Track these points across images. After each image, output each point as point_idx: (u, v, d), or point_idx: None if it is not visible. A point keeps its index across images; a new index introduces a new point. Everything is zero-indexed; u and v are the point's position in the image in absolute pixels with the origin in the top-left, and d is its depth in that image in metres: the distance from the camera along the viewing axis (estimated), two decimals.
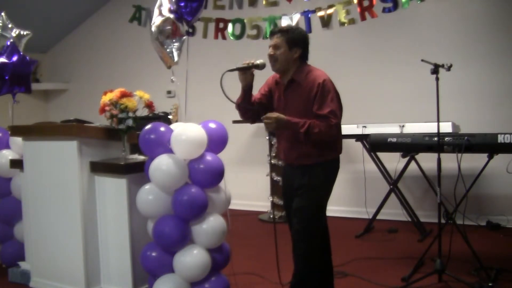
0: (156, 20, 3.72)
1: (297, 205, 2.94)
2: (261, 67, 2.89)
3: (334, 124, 2.80)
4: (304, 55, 2.94)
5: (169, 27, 3.66)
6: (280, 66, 2.89)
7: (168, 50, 3.74)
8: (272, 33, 2.94)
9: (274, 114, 2.82)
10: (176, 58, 3.79)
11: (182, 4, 3.83)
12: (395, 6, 5.36)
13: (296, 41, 2.88)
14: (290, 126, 2.81)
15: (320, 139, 2.82)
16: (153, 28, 3.77)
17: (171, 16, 3.68)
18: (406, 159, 4.64)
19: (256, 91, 3.08)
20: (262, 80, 3.13)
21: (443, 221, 3.76)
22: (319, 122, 2.77)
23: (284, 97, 2.94)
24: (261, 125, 6.07)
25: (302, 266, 2.92)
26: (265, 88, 3.08)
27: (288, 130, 2.85)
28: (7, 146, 4.03)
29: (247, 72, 2.90)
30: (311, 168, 2.91)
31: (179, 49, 3.79)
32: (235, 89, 2.99)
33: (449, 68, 3.44)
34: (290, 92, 2.92)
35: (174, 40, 3.78)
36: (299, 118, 2.82)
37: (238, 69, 2.89)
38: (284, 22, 5.84)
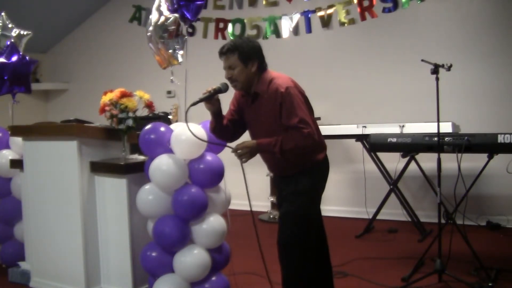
0: (160, 19, 3.71)
1: (282, 211, 2.86)
2: (223, 90, 2.77)
3: (307, 133, 2.63)
4: (262, 64, 2.78)
5: (173, 27, 3.65)
6: (242, 85, 2.77)
7: (170, 50, 3.74)
8: (222, 54, 2.77)
9: (244, 144, 2.72)
10: (180, 59, 3.78)
11: (182, 3, 3.83)
12: (395, 6, 5.36)
13: (249, 55, 2.72)
14: (262, 148, 2.69)
15: (296, 153, 2.68)
16: (152, 28, 3.76)
17: (176, 15, 3.67)
18: (406, 159, 4.64)
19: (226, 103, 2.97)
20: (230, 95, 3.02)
21: (443, 221, 3.76)
22: (291, 135, 2.64)
23: (253, 111, 2.83)
24: None
25: (293, 273, 2.82)
26: (234, 103, 2.95)
27: (262, 152, 2.74)
28: (7, 146, 4.03)
29: (211, 100, 2.77)
30: (297, 176, 2.81)
31: (182, 49, 3.78)
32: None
33: (449, 68, 3.44)
34: (257, 106, 2.79)
35: (177, 41, 3.77)
36: (271, 132, 2.70)
37: (201, 100, 2.74)
38: (284, 22, 5.85)
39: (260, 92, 2.75)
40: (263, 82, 2.75)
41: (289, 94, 2.66)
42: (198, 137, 2.79)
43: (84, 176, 3.26)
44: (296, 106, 2.65)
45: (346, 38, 5.71)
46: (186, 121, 2.70)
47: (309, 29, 5.74)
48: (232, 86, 2.80)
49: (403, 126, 4.69)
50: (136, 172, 3.16)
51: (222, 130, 2.89)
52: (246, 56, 2.71)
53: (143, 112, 3.33)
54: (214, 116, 2.85)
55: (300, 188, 2.80)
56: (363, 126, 4.84)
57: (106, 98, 3.22)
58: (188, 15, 3.82)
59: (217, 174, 2.98)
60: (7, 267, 3.90)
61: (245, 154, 2.68)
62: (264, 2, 6.02)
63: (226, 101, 2.97)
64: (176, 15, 3.66)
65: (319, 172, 2.88)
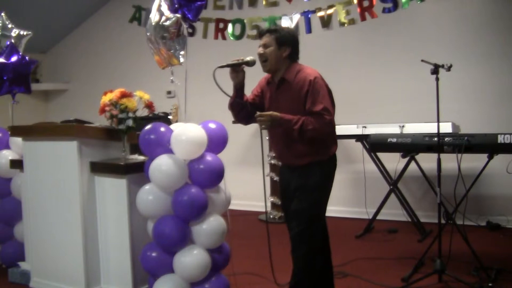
0: (161, 19, 3.71)
1: (296, 207, 2.93)
2: (251, 63, 2.91)
3: (328, 121, 2.79)
4: (294, 54, 2.95)
5: (175, 27, 3.64)
6: (270, 66, 2.91)
7: (172, 51, 3.73)
8: (262, 33, 2.97)
9: (268, 112, 2.83)
10: (182, 59, 3.78)
11: (183, 2, 3.82)
12: (395, 6, 5.36)
13: (285, 40, 2.90)
14: (283, 123, 2.79)
15: (314, 137, 2.81)
16: (152, 28, 3.75)
17: (178, 16, 3.67)
18: (406, 159, 4.64)
19: (248, 92, 3.08)
20: (254, 81, 3.13)
21: (443, 221, 3.76)
22: (313, 119, 2.77)
23: (276, 96, 2.95)
24: None
25: (302, 267, 2.91)
26: (257, 89, 3.09)
27: (282, 127, 2.83)
28: (7, 146, 4.03)
29: (238, 70, 2.91)
30: (308, 168, 2.90)
31: (183, 49, 3.78)
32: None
33: (449, 68, 3.44)
34: (281, 92, 2.93)
35: (178, 41, 3.76)
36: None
37: (228, 65, 2.90)
38: (284, 22, 5.84)
39: (288, 78, 2.88)
40: (292, 70, 2.90)
41: (317, 83, 2.81)
42: (225, 92, 2.87)
43: (84, 176, 3.26)
44: (322, 95, 2.80)
45: (346, 39, 5.72)
46: (215, 81, 2.75)
47: (309, 29, 5.73)
48: (261, 64, 2.92)
49: (403, 126, 4.69)
50: (136, 172, 3.16)
51: (240, 106, 2.98)
52: (282, 40, 2.88)
53: (143, 112, 3.33)
54: (236, 89, 2.96)
55: (311, 183, 2.89)
56: (363, 126, 4.84)
57: (106, 98, 3.22)
58: (189, 16, 3.81)
59: (217, 174, 2.98)
60: (7, 267, 3.90)
61: (265, 122, 2.78)
62: (264, 2, 6.01)
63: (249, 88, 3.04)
64: (178, 15, 3.66)
65: (329, 166, 2.97)
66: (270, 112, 2.81)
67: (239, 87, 2.95)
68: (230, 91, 3.01)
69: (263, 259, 4.17)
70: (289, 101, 2.87)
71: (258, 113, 2.81)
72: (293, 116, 2.78)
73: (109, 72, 7.26)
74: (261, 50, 2.91)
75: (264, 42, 2.91)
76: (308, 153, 2.88)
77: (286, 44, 2.89)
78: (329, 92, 2.89)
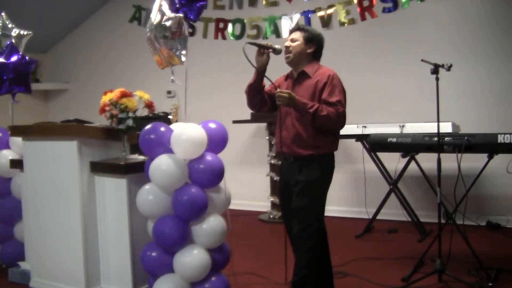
0: (163, 19, 3.70)
1: (297, 205, 2.96)
2: (277, 51, 3.04)
3: (342, 112, 2.92)
4: (317, 53, 3.12)
5: (177, 27, 3.64)
6: (293, 57, 3.05)
7: (173, 50, 3.73)
8: (292, 30, 3.18)
9: (287, 91, 2.94)
10: (183, 59, 3.78)
11: (183, 1, 3.81)
12: (395, 6, 5.37)
13: (312, 38, 3.08)
14: (299, 105, 2.89)
15: (326, 124, 2.90)
16: (153, 27, 3.75)
17: (181, 15, 3.66)
18: (406, 159, 4.64)
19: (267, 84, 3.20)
20: (274, 74, 3.21)
21: (443, 221, 3.76)
22: (328, 107, 2.89)
23: (293, 87, 3.07)
24: (261, 125, 6.10)
25: (305, 264, 2.94)
26: (275, 83, 3.21)
27: (297, 108, 2.92)
28: (7, 146, 4.03)
29: (264, 53, 3.02)
30: (307, 162, 2.96)
31: (184, 49, 3.77)
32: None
33: (449, 68, 3.44)
34: (299, 83, 3.06)
35: (180, 41, 3.76)
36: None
37: (256, 44, 3.02)
38: (284, 22, 5.85)
39: (308, 72, 3.04)
40: (312, 66, 3.08)
41: (336, 78, 3.00)
42: (252, 64, 2.96)
43: (84, 176, 3.26)
44: (339, 89, 2.98)
45: (346, 38, 5.71)
46: (245, 53, 2.83)
47: None
48: (285, 55, 3.07)
49: (403, 126, 4.69)
50: (136, 172, 3.15)
51: (257, 89, 3.07)
52: (309, 38, 3.07)
53: (143, 112, 3.33)
54: (257, 72, 3.06)
55: (311, 178, 2.95)
56: (363, 126, 4.84)
57: (106, 98, 3.21)
58: (190, 16, 3.81)
59: (217, 174, 2.98)
60: (7, 267, 3.90)
61: (282, 98, 2.88)
62: (264, 2, 6.02)
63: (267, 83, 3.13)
64: (181, 15, 3.66)
65: (328, 163, 3.05)
66: (289, 92, 2.92)
67: (261, 71, 3.05)
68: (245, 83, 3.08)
69: (263, 259, 4.18)
70: (305, 93, 2.98)
71: (278, 89, 2.95)
72: (309, 101, 2.92)
73: (109, 72, 7.26)
74: (288, 43, 3.08)
75: (292, 37, 3.09)
76: (312, 145, 2.96)
77: (313, 42, 3.08)
78: (344, 91, 3.03)
